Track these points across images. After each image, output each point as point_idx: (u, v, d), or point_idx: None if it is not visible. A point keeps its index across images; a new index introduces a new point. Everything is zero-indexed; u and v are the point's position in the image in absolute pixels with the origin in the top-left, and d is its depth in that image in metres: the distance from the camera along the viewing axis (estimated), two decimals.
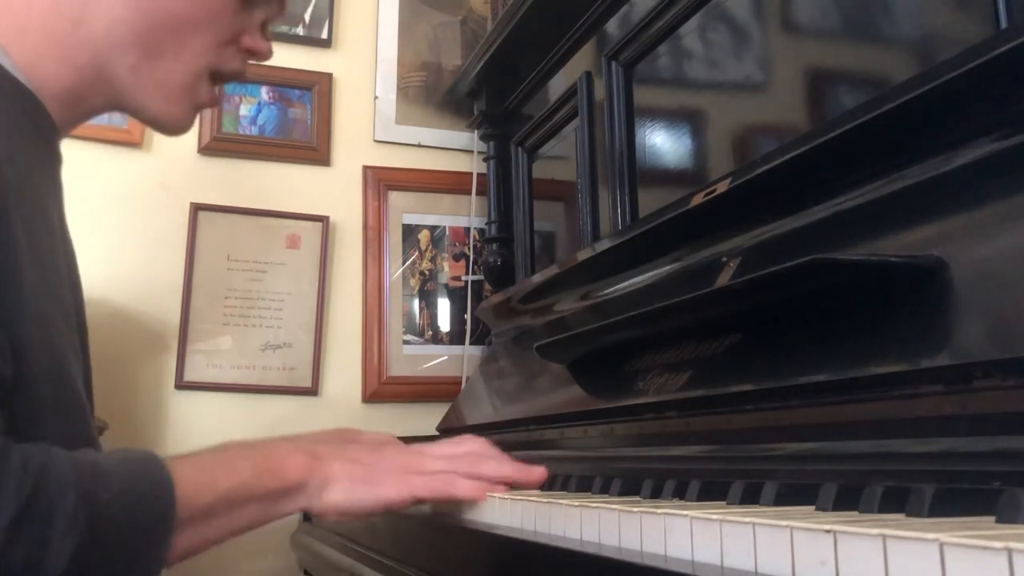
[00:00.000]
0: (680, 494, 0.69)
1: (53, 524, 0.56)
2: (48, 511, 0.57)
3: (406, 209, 2.01)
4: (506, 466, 0.86)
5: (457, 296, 2.02)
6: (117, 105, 0.84)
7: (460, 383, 1.92)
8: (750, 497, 0.62)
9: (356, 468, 0.78)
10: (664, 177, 1.28)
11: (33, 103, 0.76)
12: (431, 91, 2.06)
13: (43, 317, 0.68)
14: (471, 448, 0.88)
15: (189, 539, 0.67)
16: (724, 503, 0.63)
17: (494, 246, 1.84)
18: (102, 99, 0.82)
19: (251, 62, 0.89)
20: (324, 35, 2.00)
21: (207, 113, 1.86)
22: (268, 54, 0.88)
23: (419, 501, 0.80)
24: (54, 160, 0.80)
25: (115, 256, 1.76)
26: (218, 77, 0.86)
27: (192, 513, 0.66)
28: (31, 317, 0.66)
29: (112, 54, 0.79)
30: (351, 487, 0.77)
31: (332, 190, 1.96)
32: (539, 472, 0.86)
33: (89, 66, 0.79)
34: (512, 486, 0.84)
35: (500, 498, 0.78)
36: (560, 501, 0.68)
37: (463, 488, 0.81)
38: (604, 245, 1.24)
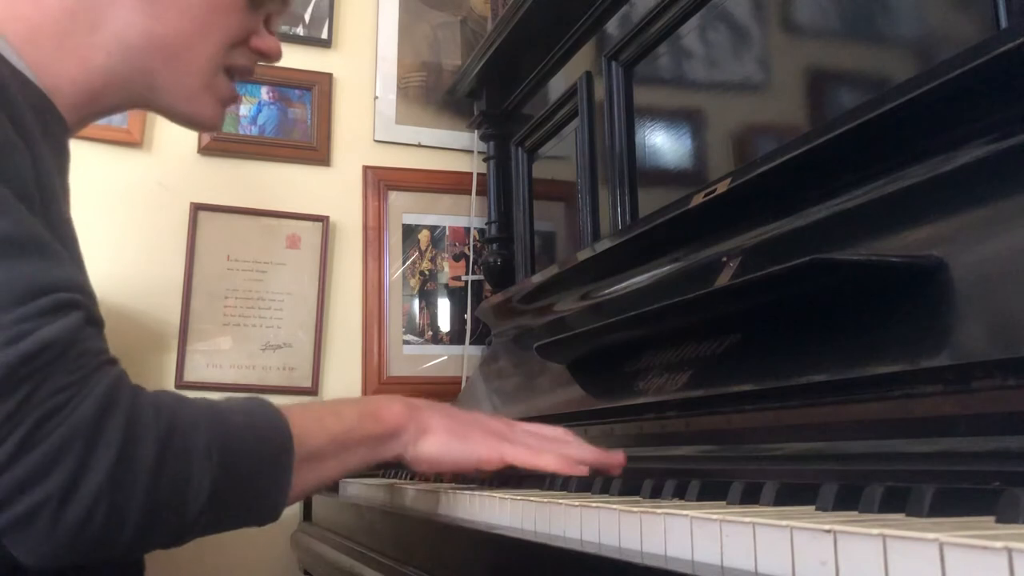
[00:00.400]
0: (680, 494, 0.69)
1: (191, 460, 0.61)
2: (185, 448, 0.61)
3: (406, 209, 2.01)
4: (588, 451, 0.86)
5: (457, 296, 2.02)
6: (137, 104, 0.87)
7: (460, 383, 1.92)
8: (750, 497, 0.62)
9: (452, 423, 0.82)
10: (664, 177, 1.28)
11: (43, 101, 0.77)
12: (431, 91, 2.06)
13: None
14: (557, 434, 0.89)
15: (306, 477, 0.71)
16: (724, 503, 0.63)
17: (494, 246, 1.84)
18: (118, 99, 0.84)
19: (259, 63, 0.91)
20: (324, 35, 2.00)
21: None
22: (277, 54, 0.91)
23: (507, 464, 0.82)
24: (63, 158, 0.82)
25: (115, 256, 1.76)
26: (228, 73, 0.88)
27: (308, 452, 0.70)
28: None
29: (126, 57, 0.81)
30: (447, 440, 0.81)
31: (332, 190, 1.96)
32: (619, 457, 0.86)
33: (102, 68, 0.80)
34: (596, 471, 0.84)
35: (500, 498, 0.78)
36: (560, 501, 0.68)
37: (549, 460, 0.82)
38: (604, 245, 1.24)
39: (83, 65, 0.79)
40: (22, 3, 0.78)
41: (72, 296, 0.61)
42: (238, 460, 0.64)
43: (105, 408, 0.58)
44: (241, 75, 0.89)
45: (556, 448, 0.85)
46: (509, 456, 0.81)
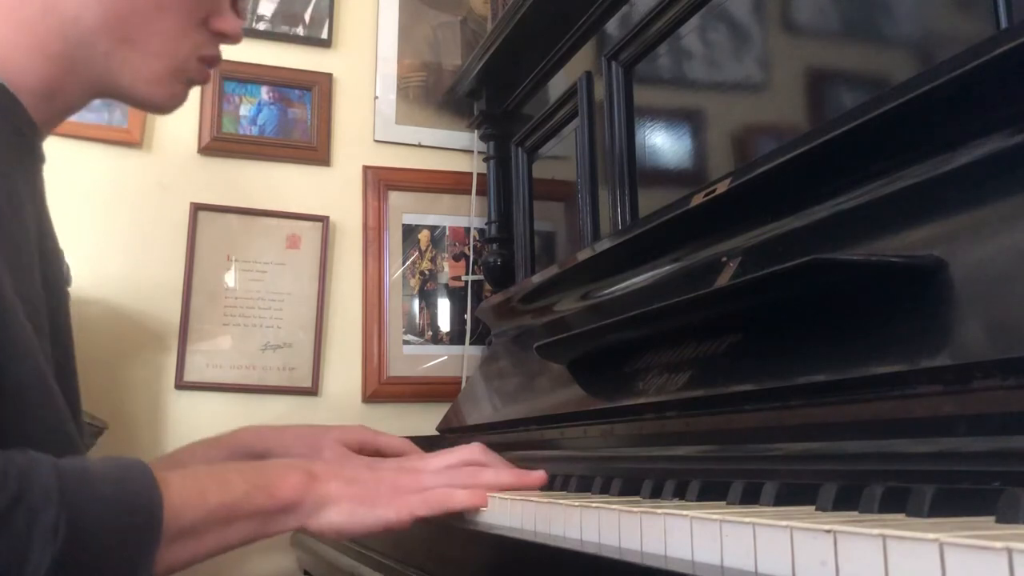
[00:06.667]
0: (680, 494, 0.69)
1: (32, 535, 0.55)
2: (29, 521, 0.55)
3: (406, 209, 2.01)
4: (504, 474, 0.86)
5: (457, 296, 2.01)
6: (99, 93, 0.84)
7: (460, 383, 1.92)
8: (750, 497, 0.62)
9: (355, 489, 0.78)
10: (664, 177, 1.28)
11: (9, 100, 0.76)
12: (431, 91, 2.06)
13: (20, 320, 0.68)
14: (468, 456, 0.88)
15: (176, 554, 0.66)
16: (724, 503, 0.63)
17: (494, 246, 1.84)
18: (81, 89, 0.82)
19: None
20: (324, 35, 2.00)
21: (207, 113, 1.85)
22: (238, 36, 0.88)
23: (418, 520, 0.79)
24: (34, 159, 0.80)
25: (115, 256, 1.76)
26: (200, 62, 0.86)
27: (180, 528, 0.65)
28: (10, 320, 0.66)
29: (83, 40, 0.79)
30: (351, 508, 0.77)
31: (332, 190, 1.96)
32: (538, 475, 0.87)
33: (62, 55, 0.79)
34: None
35: (500, 498, 0.78)
36: (560, 501, 0.68)
37: (461, 499, 0.80)
38: (604, 245, 1.24)
39: (43, 55, 0.78)
40: None
41: None
42: (90, 538, 0.58)
43: None
44: (209, 64, 0.87)
45: (471, 479, 0.83)
46: (420, 511, 0.78)
